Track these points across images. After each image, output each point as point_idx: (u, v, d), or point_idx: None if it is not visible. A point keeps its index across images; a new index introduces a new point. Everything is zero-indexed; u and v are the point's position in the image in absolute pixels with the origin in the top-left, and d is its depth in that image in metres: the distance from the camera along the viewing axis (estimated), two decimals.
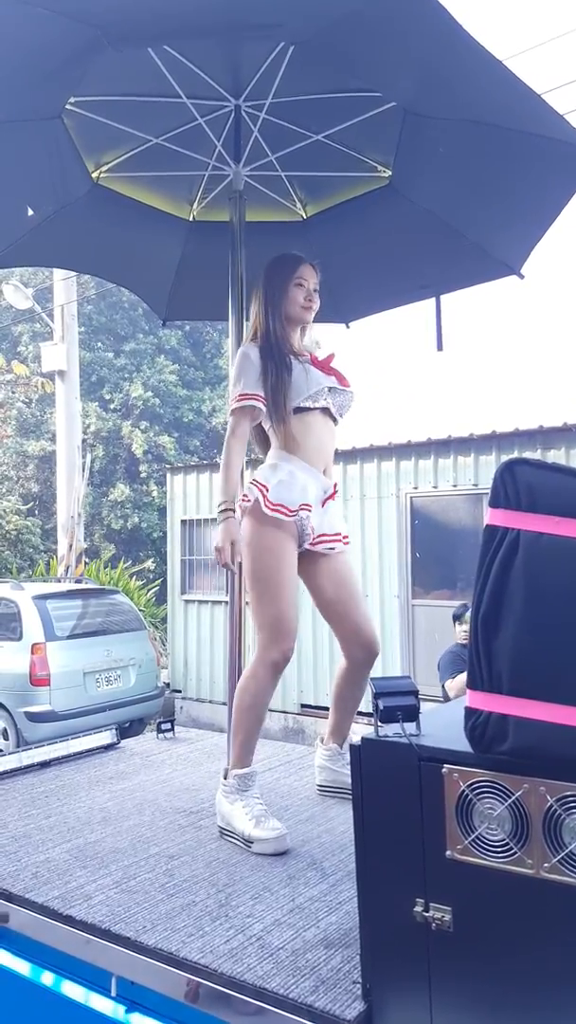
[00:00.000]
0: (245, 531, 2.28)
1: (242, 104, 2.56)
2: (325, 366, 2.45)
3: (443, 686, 4.10)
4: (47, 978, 1.79)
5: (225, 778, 2.27)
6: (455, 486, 7.13)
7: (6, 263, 3.49)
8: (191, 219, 3.08)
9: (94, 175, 2.82)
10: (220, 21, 2.01)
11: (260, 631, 2.25)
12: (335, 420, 2.45)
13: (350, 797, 2.43)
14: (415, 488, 7.36)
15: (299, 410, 2.34)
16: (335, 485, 2.47)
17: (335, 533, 2.40)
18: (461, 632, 4.25)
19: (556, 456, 6.62)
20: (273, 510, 2.25)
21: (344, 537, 2.44)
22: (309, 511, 2.31)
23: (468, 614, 4.43)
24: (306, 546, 2.35)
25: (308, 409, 2.36)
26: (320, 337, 15.22)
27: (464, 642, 4.28)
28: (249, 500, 2.29)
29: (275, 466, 2.34)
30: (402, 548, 7.41)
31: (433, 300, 3.12)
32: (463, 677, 4.12)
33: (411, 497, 7.40)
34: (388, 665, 7.38)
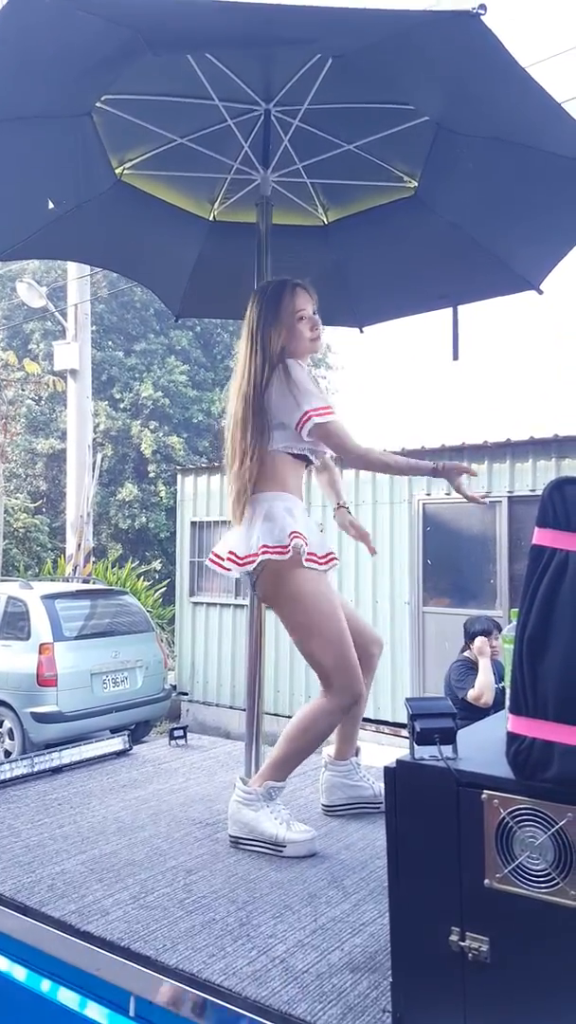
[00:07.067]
0: (289, 582, 2.21)
1: (272, 109, 2.52)
2: None
3: (463, 699, 4.04)
4: (65, 996, 1.75)
5: (245, 786, 2.24)
6: None
7: (22, 255, 3.47)
8: (211, 219, 3.05)
9: (117, 171, 2.78)
10: (262, 34, 1.98)
11: (331, 676, 2.19)
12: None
13: (368, 810, 2.43)
14: (428, 495, 7.32)
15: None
16: None
17: (330, 551, 2.37)
18: (478, 647, 4.17)
19: (571, 465, 6.56)
20: (309, 559, 2.21)
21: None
22: (337, 563, 2.35)
23: (495, 632, 4.29)
24: None
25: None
26: (333, 339, 15.20)
27: (473, 658, 4.21)
28: (287, 551, 2.18)
29: (290, 510, 2.26)
30: (413, 554, 7.36)
31: (450, 309, 3.10)
32: (483, 679, 4.05)
33: (423, 503, 7.36)
34: (398, 672, 7.34)
